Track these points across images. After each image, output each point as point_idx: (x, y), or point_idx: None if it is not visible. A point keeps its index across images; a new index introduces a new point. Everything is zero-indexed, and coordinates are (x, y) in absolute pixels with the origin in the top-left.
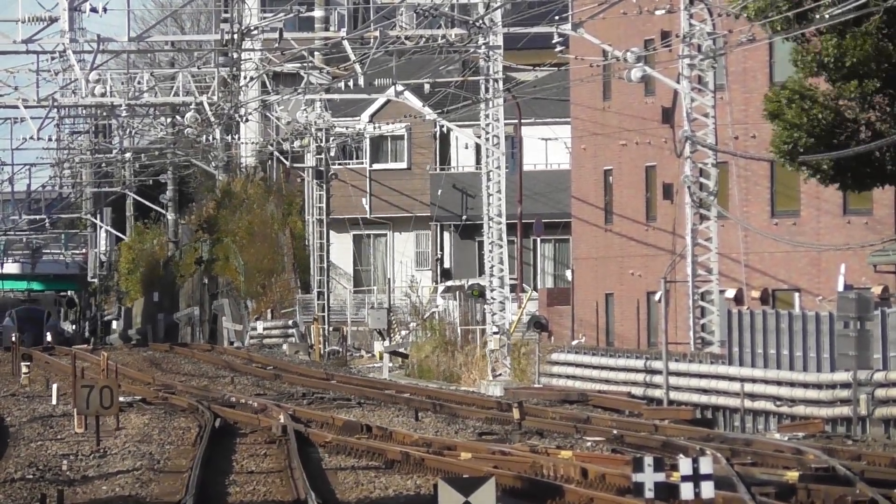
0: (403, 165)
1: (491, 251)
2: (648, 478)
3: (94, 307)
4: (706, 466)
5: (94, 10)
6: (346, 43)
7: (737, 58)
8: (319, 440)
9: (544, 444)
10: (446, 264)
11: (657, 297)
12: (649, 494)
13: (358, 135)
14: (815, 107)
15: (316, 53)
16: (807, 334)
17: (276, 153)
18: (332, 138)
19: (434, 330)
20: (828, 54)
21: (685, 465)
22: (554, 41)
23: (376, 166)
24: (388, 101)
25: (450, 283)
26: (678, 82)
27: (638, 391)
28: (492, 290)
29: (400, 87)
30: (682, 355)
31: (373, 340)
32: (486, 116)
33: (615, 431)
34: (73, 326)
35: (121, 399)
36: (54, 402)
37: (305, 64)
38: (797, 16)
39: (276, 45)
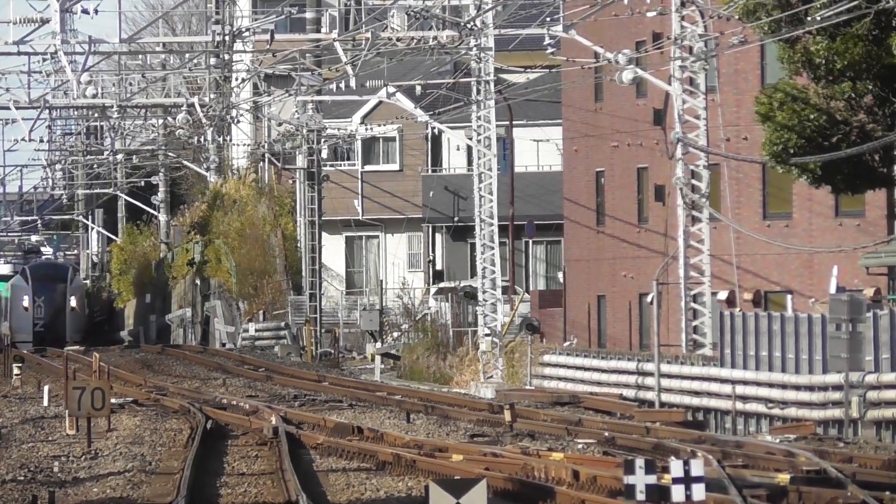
0: (395, 167)
1: (483, 253)
2: (640, 480)
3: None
4: (697, 469)
5: (85, 11)
6: (337, 44)
7: (728, 60)
8: (311, 442)
9: (536, 446)
10: (438, 266)
11: (649, 298)
12: (640, 497)
13: (349, 136)
14: (807, 109)
15: (307, 55)
16: (799, 336)
17: (267, 155)
18: (323, 140)
19: (426, 332)
20: (819, 56)
21: (676, 468)
22: (545, 43)
23: (368, 168)
24: (379, 103)
25: (442, 284)
26: (670, 84)
27: (630, 393)
28: (484, 292)
29: (391, 89)
30: (674, 357)
31: (365, 342)
32: (478, 118)
33: (606, 433)
34: None
35: (112, 400)
36: (46, 403)
37: (297, 65)
38: (788, 18)
39: (268, 46)
